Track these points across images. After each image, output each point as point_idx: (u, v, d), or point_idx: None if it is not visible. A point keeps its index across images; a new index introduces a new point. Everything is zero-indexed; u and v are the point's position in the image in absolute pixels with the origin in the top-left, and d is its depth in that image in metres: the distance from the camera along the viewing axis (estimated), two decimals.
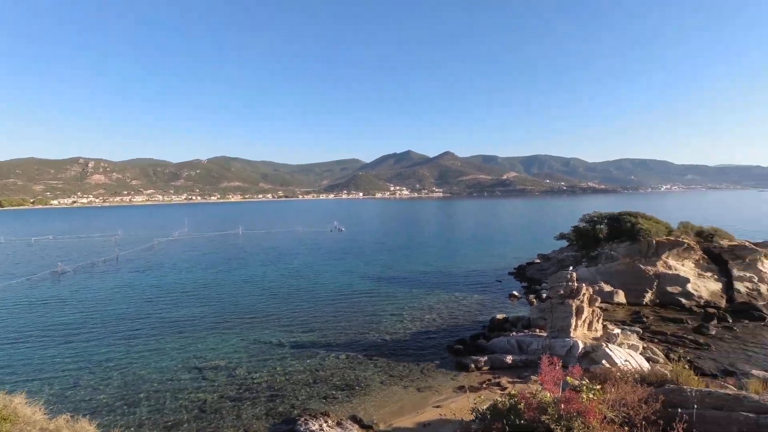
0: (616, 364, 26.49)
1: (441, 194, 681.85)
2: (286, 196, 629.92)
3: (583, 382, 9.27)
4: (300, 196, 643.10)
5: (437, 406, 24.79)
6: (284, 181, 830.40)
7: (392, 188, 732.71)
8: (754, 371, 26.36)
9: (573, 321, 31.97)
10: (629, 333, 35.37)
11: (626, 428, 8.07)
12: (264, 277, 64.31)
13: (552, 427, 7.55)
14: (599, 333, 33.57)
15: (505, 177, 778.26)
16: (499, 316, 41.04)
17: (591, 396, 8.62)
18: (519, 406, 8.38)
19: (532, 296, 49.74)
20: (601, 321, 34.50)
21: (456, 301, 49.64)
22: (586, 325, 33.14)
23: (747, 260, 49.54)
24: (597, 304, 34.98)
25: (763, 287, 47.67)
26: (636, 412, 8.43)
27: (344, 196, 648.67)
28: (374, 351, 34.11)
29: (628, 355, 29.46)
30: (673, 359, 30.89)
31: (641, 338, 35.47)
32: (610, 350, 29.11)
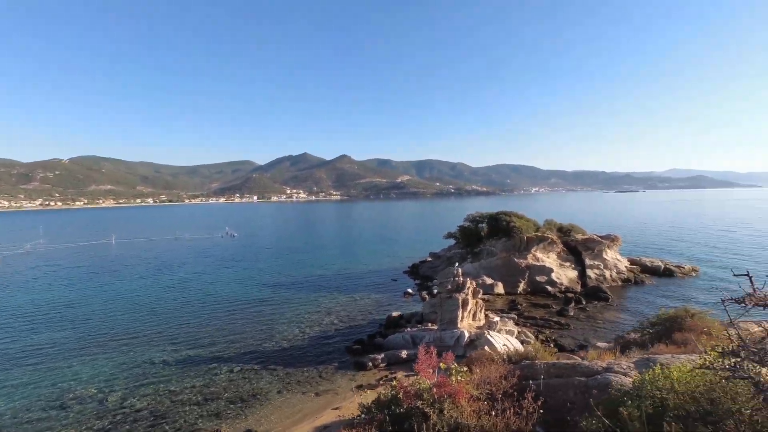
0: (497, 348, 29.56)
1: (338, 197, 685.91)
2: (171, 201, 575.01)
3: (453, 365, 10.37)
4: (186, 200, 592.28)
5: (336, 408, 24.97)
6: (167, 184, 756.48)
7: (289, 191, 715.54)
8: (599, 343, 31.50)
9: (460, 313, 34.81)
10: (507, 320, 39.69)
11: (488, 403, 9.25)
12: (143, 291, 57.84)
13: (426, 410, 8.37)
14: (482, 322, 37.08)
15: (399, 180, 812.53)
16: (395, 314, 42.79)
17: (459, 378, 9.76)
18: (398, 396, 9.09)
19: (424, 293, 52.77)
20: (483, 311, 38.17)
21: (354, 302, 50.43)
22: (471, 315, 36.31)
23: (595, 251, 59.07)
24: (480, 296, 38.66)
25: (607, 273, 57.32)
26: (497, 388, 9.78)
27: (237, 200, 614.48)
28: (271, 360, 33.07)
29: (506, 340, 33.07)
30: (541, 339, 35.62)
31: (516, 323, 40.13)
32: (491, 337, 32.36)
